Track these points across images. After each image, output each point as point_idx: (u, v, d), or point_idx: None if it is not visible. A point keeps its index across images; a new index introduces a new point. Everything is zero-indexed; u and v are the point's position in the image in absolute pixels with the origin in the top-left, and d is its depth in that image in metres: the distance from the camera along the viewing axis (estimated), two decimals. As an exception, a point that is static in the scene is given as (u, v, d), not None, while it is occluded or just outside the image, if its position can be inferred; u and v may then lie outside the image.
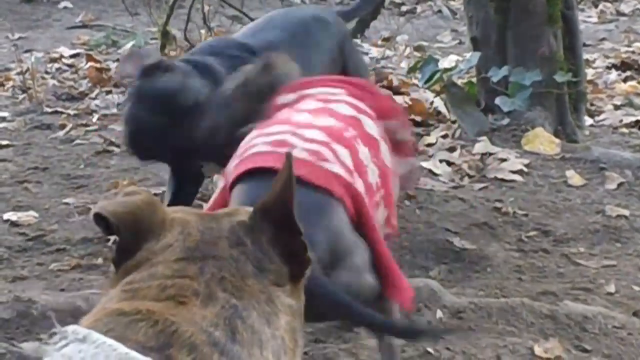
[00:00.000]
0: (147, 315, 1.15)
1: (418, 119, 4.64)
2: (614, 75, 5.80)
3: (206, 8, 6.54)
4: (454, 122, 4.47)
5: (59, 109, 5.13)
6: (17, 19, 8.37)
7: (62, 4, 8.94)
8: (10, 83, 5.82)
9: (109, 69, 5.89)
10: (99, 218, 1.27)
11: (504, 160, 3.98)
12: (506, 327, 2.71)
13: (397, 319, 2.21)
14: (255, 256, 1.28)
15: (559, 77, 4.30)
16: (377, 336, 2.33)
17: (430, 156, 4.05)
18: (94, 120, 4.92)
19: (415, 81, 5.08)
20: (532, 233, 3.42)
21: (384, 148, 2.31)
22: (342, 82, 2.52)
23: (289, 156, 1.29)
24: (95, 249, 3.28)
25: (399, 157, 2.39)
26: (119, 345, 1.09)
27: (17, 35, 7.58)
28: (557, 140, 4.19)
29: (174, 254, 1.26)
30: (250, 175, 2.09)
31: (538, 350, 2.56)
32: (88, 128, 4.77)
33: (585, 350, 2.62)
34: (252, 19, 4.78)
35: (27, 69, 5.72)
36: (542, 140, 4.16)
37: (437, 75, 4.52)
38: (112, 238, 3.11)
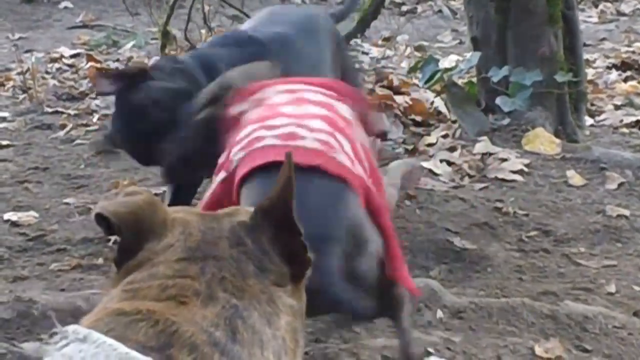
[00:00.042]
0: (148, 315, 1.15)
1: (418, 119, 4.65)
2: (614, 75, 5.80)
3: (206, 8, 6.55)
4: (454, 122, 4.47)
5: (60, 109, 5.13)
6: (18, 19, 8.38)
7: (62, 4, 8.94)
8: (11, 83, 5.82)
9: (109, 69, 5.89)
10: (101, 218, 1.27)
11: (504, 160, 3.98)
12: (507, 327, 2.71)
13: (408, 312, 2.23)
14: (256, 256, 1.28)
15: (560, 77, 4.29)
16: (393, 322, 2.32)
17: (431, 156, 4.05)
18: (95, 120, 4.92)
19: (416, 81, 5.07)
20: (532, 233, 3.42)
21: (358, 128, 2.31)
22: (294, 80, 2.47)
23: (288, 156, 1.29)
24: (95, 249, 3.27)
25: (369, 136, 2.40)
26: (119, 345, 1.09)
27: (17, 36, 7.58)
28: (558, 140, 4.19)
29: (175, 254, 1.26)
30: (262, 170, 2.04)
31: (539, 350, 2.56)
32: (88, 128, 4.78)
33: (585, 350, 2.62)
34: (252, 19, 4.79)
35: (28, 69, 5.72)
36: (543, 140, 4.15)
37: (438, 75, 4.52)
38: (113, 238, 3.12)
